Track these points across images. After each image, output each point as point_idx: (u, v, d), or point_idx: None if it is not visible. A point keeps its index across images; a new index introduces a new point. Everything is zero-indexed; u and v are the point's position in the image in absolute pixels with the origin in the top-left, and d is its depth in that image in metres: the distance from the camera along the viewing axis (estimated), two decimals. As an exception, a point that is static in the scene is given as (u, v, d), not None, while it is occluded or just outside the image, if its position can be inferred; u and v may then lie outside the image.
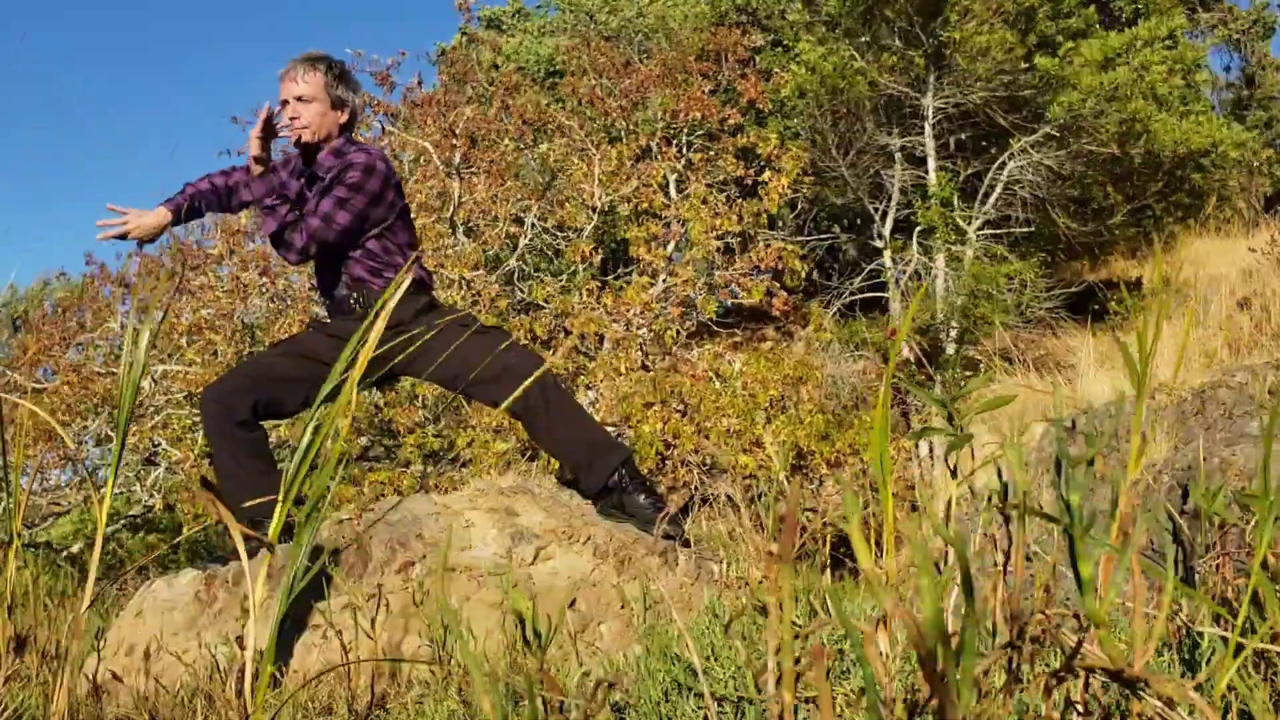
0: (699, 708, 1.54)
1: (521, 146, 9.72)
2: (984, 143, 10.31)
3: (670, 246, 8.86)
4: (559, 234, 9.38)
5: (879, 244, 10.26)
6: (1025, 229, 9.66)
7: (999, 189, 9.58)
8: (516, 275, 9.16)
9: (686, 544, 2.79)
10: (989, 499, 0.94)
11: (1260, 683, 1.08)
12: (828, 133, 9.95)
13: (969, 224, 9.51)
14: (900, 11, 9.28)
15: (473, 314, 3.28)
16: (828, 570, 1.89)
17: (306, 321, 7.28)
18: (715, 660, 1.63)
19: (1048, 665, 1.37)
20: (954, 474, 1.16)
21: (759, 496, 6.32)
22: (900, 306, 9.86)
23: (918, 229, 9.78)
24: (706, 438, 6.81)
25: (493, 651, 2.29)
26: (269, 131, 2.68)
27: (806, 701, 1.37)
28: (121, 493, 8.72)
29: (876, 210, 10.29)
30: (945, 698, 0.58)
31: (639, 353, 7.80)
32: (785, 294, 8.86)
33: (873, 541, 1.58)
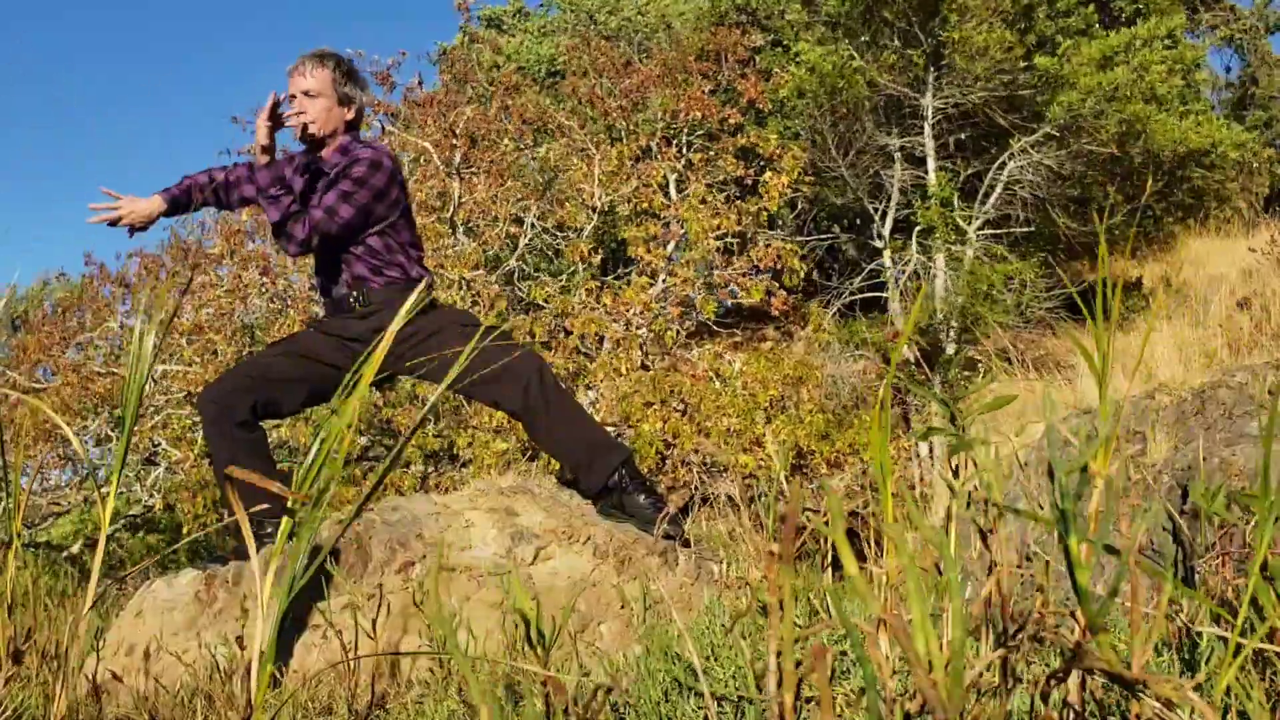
0: (699, 708, 1.54)
1: (521, 146, 9.73)
2: (984, 142, 10.30)
3: (670, 246, 8.86)
4: (559, 234, 9.38)
5: (879, 244, 10.26)
6: (1025, 229, 9.66)
7: (999, 189, 9.58)
8: (516, 275, 9.16)
9: (686, 544, 2.80)
10: (983, 502, 0.94)
11: (1257, 681, 1.08)
12: (827, 133, 9.95)
13: (969, 224, 9.51)
14: (899, 11, 9.28)
15: (473, 314, 3.29)
16: (829, 570, 1.89)
17: (305, 321, 7.29)
18: (715, 660, 1.63)
19: (1047, 665, 1.37)
20: (955, 475, 1.16)
21: (759, 496, 6.32)
22: (900, 306, 9.86)
23: (917, 229, 9.78)
24: (706, 437, 6.82)
25: (493, 651, 2.30)
26: (275, 120, 2.69)
27: (807, 701, 1.37)
28: (121, 492, 8.73)
29: (876, 210, 10.29)
30: (935, 700, 0.58)
31: (639, 353, 7.81)
32: (785, 294, 8.86)
33: (873, 542, 1.58)
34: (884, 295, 10.13)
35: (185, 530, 7.68)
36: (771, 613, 0.63)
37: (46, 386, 8.47)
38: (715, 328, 9.48)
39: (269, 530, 2.58)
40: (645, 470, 6.44)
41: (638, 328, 8.01)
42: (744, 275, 8.86)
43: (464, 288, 8.02)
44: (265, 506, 2.46)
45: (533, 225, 9.11)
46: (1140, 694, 0.69)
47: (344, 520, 2.72)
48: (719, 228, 8.56)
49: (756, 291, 8.72)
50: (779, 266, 8.93)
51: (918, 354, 9.13)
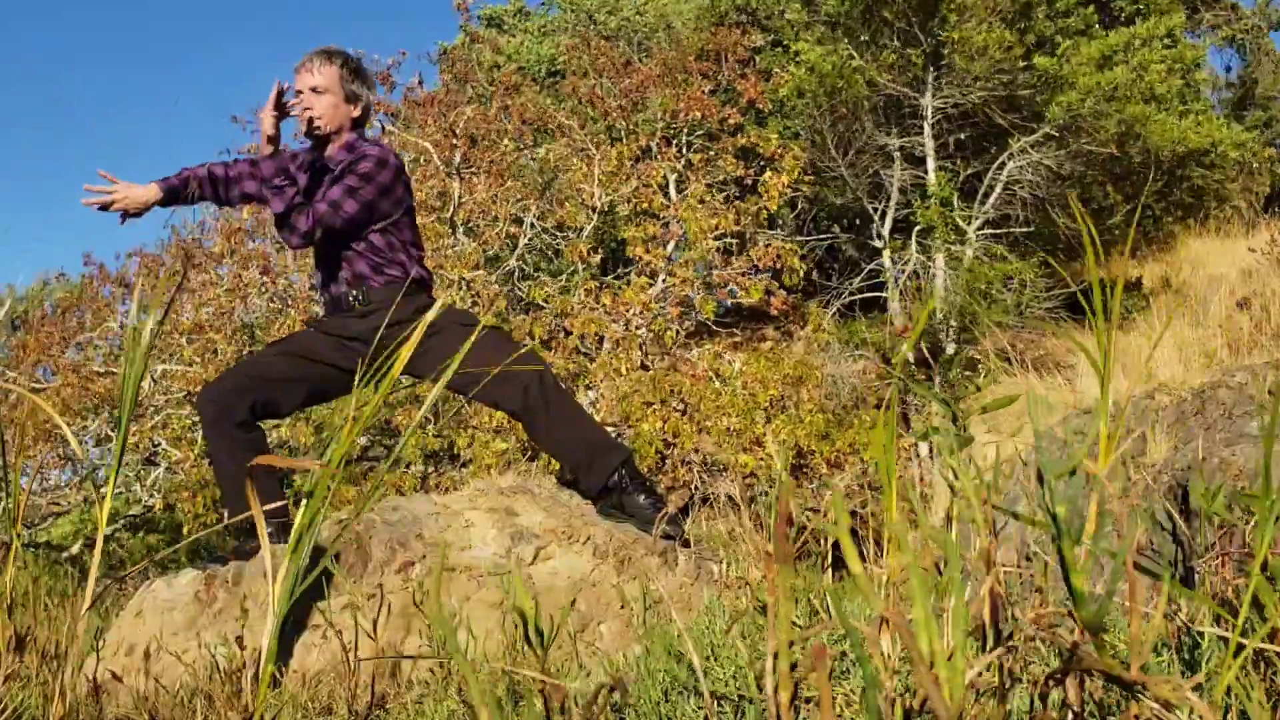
0: (699, 707, 1.54)
1: (521, 146, 9.73)
2: (983, 142, 10.30)
3: (670, 246, 8.86)
4: (559, 234, 9.38)
5: (878, 244, 10.26)
6: (1025, 229, 9.65)
7: (998, 189, 9.58)
8: (516, 275, 9.16)
9: (686, 544, 2.80)
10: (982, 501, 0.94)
11: (1258, 682, 1.08)
12: (827, 133, 9.94)
13: (968, 224, 9.51)
14: (898, 11, 9.28)
15: (472, 313, 3.29)
16: (829, 570, 1.89)
17: (305, 320, 7.29)
18: (715, 660, 1.63)
19: (1047, 665, 1.37)
20: (955, 475, 1.16)
21: (760, 496, 6.32)
22: (899, 306, 9.86)
23: (917, 229, 9.78)
24: (706, 436, 6.82)
25: (492, 651, 2.30)
26: (280, 109, 2.68)
27: (807, 701, 1.37)
28: (121, 492, 8.73)
29: (876, 210, 10.29)
30: (938, 699, 0.58)
31: (639, 353, 7.81)
32: (784, 293, 8.87)
33: (873, 541, 1.58)
34: (884, 295, 10.13)
35: (185, 530, 7.69)
36: (770, 613, 0.63)
37: (46, 386, 8.48)
38: (715, 328, 9.48)
39: (270, 530, 2.58)
40: (645, 470, 6.44)
41: (637, 328, 8.01)
42: (743, 275, 8.86)
43: (464, 288, 8.02)
44: (270, 507, 2.46)
45: (532, 225, 9.11)
46: (1139, 695, 0.69)
47: (345, 520, 2.72)
48: (718, 228, 8.56)
49: (755, 291, 8.72)
50: (778, 266, 8.94)
51: (918, 354, 9.12)
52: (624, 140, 9.64)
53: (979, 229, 9.54)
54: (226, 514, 2.81)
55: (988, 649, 0.84)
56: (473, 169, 8.92)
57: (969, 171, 9.92)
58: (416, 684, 2.17)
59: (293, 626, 2.43)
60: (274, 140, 2.69)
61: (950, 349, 9.36)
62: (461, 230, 8.81)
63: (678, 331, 8.29)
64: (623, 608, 2.53)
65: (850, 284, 10.26)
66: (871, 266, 10.26)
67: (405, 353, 0.97)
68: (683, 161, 9.65)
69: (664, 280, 8.58)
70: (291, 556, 0.87)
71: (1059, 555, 0.64)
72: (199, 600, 2.56)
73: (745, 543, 2.43)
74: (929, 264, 9.67)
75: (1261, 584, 0.87)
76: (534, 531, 2.70)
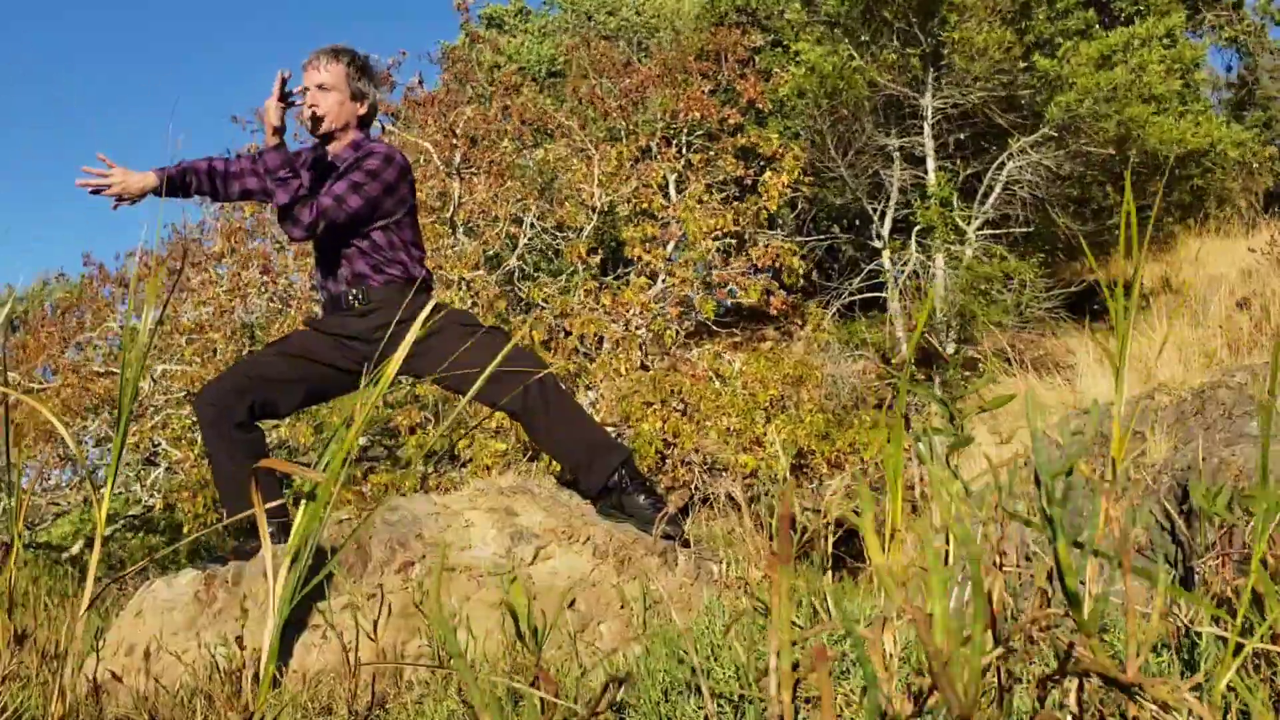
0: (699, 707, 1.54)
1: (521, 147, 9.73)
2: (983, 142, 10.30)
3: (670, 246, 8.86)
4: (558, 234, 9.38)
5: (878, 244, 10.26)
6: (1025, 229, 9.65)
7: (998, 189, 9.58)
8: (516, 275, 9.16)
9: (686, 544, 2.80)
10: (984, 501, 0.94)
11: (1259, 683, 1.08)
12: (827, 133, 9.94)
13: (968, 224, 9.51)
14: (898, 11, 9.28)
15: (472, 313, 3.29)
16: (829, 571, 1.89)
17: (303, 320, 7.28)
18: (715, 660, 1.63)
19: (1047, 666, 1.37)
20: (954, 475, 1.16)
21: (762, 495, 6.32)
22: (899, 306, 9.85)
23: (916, 229, 9.78)
24: (706, 436, 6.82)
25: (492, 651, 2.30)
26: (284, 99, 2.68)
27: (806, 701, 1.37)
28: (121, 493, 8.73)
29: (875, 210, 10.29)
30: (952, 696, 0.58)
31: (638, 353, 7.81)
32: (784, 293, 8.87)
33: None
34: (883, 295, 10.13)
35: (185, 530, 7.68)
36: (771, 613, 0.63)
37: (46, 386, 8.47)
38: (715, 328, 9.48)
39: (270, 531, 2.58)
40: (645, 470, 6.44)
41: (637, 328, 8.01)
42: (742, 275, 8.86)
43: (464, 288, 8.03)
44: (270, 506, 2.46)
45: (532, 225, 9.11)
46: (1137, 696, 0.69)
47: (345, 521, 2.72)
48: (717, 228, 8.57)
49: (755, 291, 8.72)
50: (777, 266, 8.94)
51: (919, 354, 9.12)
52: (624, 140, 9.64)
53: (979, 229, 9.54)
54: (225, 514, 2.81)
55: (988, 649, 0.84)
56: (473, 169, 8.93)
57: (969, 171, 9.92)
58: (416, 684, 2.17)
59: (293, 627, 2.44)
60: (279, 131, 2.68)
61: (950, 349, 9.36)
62: (461, 230, 8.81)
63: (677, 331, 8.29)
64: (623, 608, 2.53)
65: (850, 284, 10.25)
66: (871, 266, 10.26)
67: (400, 353, 0.97)
68: (682, 162, 9.65)
69: (663, 280, 8.58)
70: (292, 564, 0.87)
71: (1055, 556, 0.65)
72: (199, 600, 2.56)
73: (746, 543, 2.43)
74: (929, 264, 9.66)
75: (1261, 582, 0.87)
76: (534, 531, 2.70)
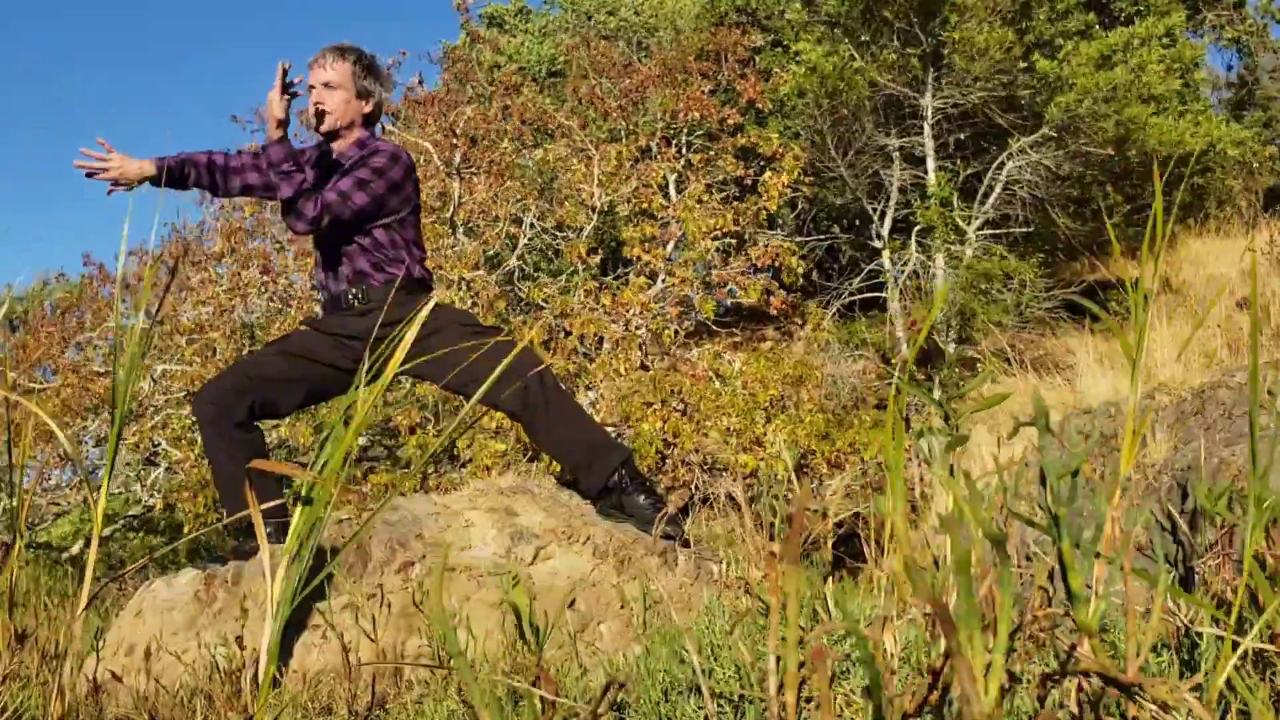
0: (699, 707, 1.54)
1: (521, 147, 9.73)
2: (983, 143, 10.29)
3: (670, 246, 8.86)
4: (558, 234, 9.38)
5: (878, 244, 10.26)
6: (1024, 229, 9.65)
7: (998, 189, 9.58)
8: (516, 275, 9.16)
9: (686, 544, 2.80)
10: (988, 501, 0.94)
11: (1259, 682, 1.08)
12: (827, 133, 9.94)
13: (968, 224, 9.50)
14: (899, 11, 9.27)
15: (472, 314, 3.29)
16: (830, 572, 1.89)
17: (303, 319, 7.27)
18: (715, 660, 1.63)
19: (1048, 665, 1.37)
20: (951, 474, 1.16)
21: (765, 493, 6.31)
22: (899, 306, 9.85)
23: (916, 229, 9.77)
24: (706, 436, 6.82)
25: (492, 651, 2.30)
26: (287, 90, 2.67)
27: (808, 701, 1.37)
28: (120, 493, 8.72)
29: (875, 210, 10.29)
30: (975, 696, 0.58)
31: (638, 353, 7.81)
32: (784, 293, 8.87)
33: (873, 542, 1.58)
34: (883, 295, 10.13)
35: (186, 530, 7.68)
36: (773, 613, 0.63)
37: (46, 386, 8.47)
38: (715, 328, 9.48)
39: (269, 531, 2.58)
40: (645, 470, 6.44)
41: (637, 328, 8.01)
42: (742, 275, 8.87)
43: (464, 288, 8.02)
44: (268, 506, 2.46)
45: (532, 225, 9.11)
46: (1137, 696, 0.69)
47: (346, 520, 2.72)
48: (716, 228, 8.57)
49: (754, 291, 8.72)
50: (777, 265, 8.94)
51: (918, 354, 9.12)
52: (624, 140, 9.64)
53: (979, 229, 9.53)
54: (225, 514, 2.81)
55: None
56: (473, 169, 8.93)
57: (968, 171, 9.92)
58: (416, 684, 2.17)
59: (293, 627, 2.43)
60: (283, 125, 2.67)
61: (950, 349, 9.36)
62: (461, 230, 8.81)
63: (676, 331, 8.29)
64: (623, 608, 2.53)
65: (850, 284, 10.25)
66: (871, 266, 10.25)
67: (400, 353, 0.97)
68: (682, 162, 9.65)
69: (663, 280, 8.58)
70: (291, 564, 0.87)
71: (1058, 556, 0.64)
72: (199, 600, 2.56)
73: (746, 543, 2.43)
74: (929, 264, 9.66)
75: (1259, 581, 0.87)
76: (534, 531, 2.70)
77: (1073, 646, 0.67)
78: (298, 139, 3.06)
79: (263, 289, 8.42)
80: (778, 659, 0.62)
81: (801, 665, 0.63)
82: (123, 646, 2.51)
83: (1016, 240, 9.74)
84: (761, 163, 9.63)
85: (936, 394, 1.07)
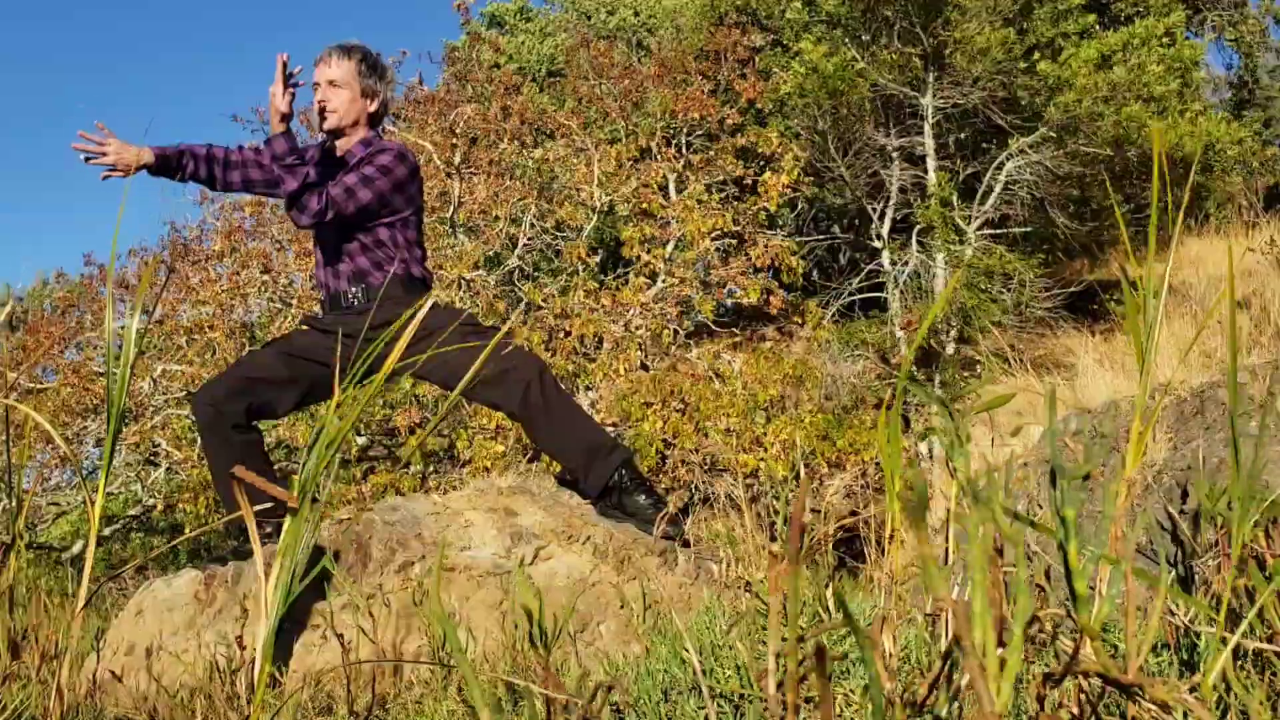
0: (699, 707, 1.54)
1: (521, 147, 9.73)
2: (982, 142, 10.29)
3: (670, 246, 8.86)
4: (558, 234, 9.38)
5: (878, 244, 10.25)
6: (1024, 229, 9.65)
7: (998, 189, 9.58)
8: (516, 275, 9.16)
9: (686, 544, 2.80)
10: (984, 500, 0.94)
11: (1258, 682, 1.08)
12: (827, 133, 9.94)
13: (968, 224, 9.50)
14: (900, 10, 9.27)
15: (472, 313, 3.28)
16: (832, 572, 1.89)
17: (301, 318, 7.27)
18: (715, 660, 1.63)
19: (1048, 665, 1.37)
20: (953, 474, 1.16)
21: (764, 494, 6.32)
22: (900, 306, 9.85)
23: (916, 228, 9.77)
24: (706, 436, 6.82)
25: (492, 652, 2.30)
26: (288, 82, 2.66)
27: (807, 701, 1.37)
28: (120, 493, 8.72)
29: (875, 210, 10.28)
30: (987, 695, 0.57)
31: (638, 353, 7.81)
32: (783, 293, 8.87)
33: (873, 542, 1.58)
34: (884, 295, 10.13)
35: (188, 531, 7.68)
36: (772, 613, 0.63)
37: (46, 387, 8.47)
38: (715, 328, 9.48)
39: (269, 530, 2.58)
40: (645, 470, 6.44)
41: (637, 328, 8.01)
42: (741, 274, 8.87)
43: (464, 288, 8.02)
44: (267, 506, 2.45)
45: (532, 225, 9.11)
46: (1137, 696, 0.69)
47: (343, 520, 2.72)
48: (716, 228, 8.57)
49: (754, 291, 8.72)
50: (777, 265, 8.94)
51: (918, 353, 9.11)
52: (623, 140, 9.64)
53: (978, 229, 9.53)
54: (225, 515, 2.81)
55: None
56: (473, 169, 8.92)
57: (968, 171, 9.91)
58: (416, 684, 2.17)
59: (293, 627, 2.43)
60: (286, 118, 2.66)
61: (950, 349, 9.36)
62: (461, 230, 8.81)
63: (676, 332, 8.29)
64: (622, 608, 2.53)
65: (850, 284, 10.25)
66: (871, 266, 10.25)
67: (397, 351, 0.97)
68: (682, 162, 9.65)
69: (663, 280, 8.58)
70: (280, 571, 0.87)
71: (1063, 557, 0.64)
72: (199, 600, 2.56)
73: (747, 542, 2.43)
74: (929, 264, 9.66)
75: (1256, 578, 0.87)
76: (534, 532, 2.70)
77: (1075, 647, 0.67)
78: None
79: (263, 288, 8.41)
80: (777, 658, 0.62)
81: (802, 664, 0.63)
82: (123, 646, 2.50)
83: (1016, 240, 9.74)
84: (761, 163, 9.63)
85: (938, 395, 1.07)
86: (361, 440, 8.01)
